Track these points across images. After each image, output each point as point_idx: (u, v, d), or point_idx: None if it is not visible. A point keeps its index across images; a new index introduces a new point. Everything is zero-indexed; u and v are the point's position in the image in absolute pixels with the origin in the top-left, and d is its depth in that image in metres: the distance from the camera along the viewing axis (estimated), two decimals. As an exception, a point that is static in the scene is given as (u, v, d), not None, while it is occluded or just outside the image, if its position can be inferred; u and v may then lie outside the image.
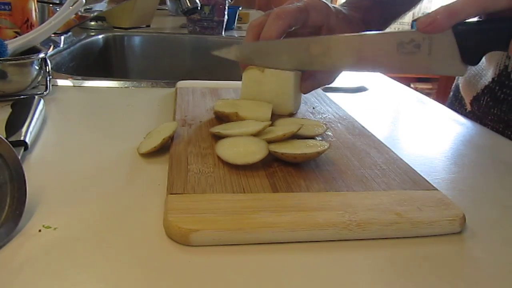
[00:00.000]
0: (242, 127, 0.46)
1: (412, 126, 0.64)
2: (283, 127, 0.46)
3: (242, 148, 0.41)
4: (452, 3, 0.41)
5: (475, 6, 0.40)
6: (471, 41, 0.41)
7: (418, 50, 0.43)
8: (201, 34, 1.29)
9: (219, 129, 0.46)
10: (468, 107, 0.76)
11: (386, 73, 0.46)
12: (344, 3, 0.63)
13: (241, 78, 0.56)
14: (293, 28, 0.51)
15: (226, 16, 1.31)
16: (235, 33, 1.42)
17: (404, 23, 3.56)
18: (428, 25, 0.41)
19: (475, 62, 0.42)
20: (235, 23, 1.50)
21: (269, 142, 0.43)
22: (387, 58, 0.45)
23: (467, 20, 0.41)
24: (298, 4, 0.51)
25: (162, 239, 0.31)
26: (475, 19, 0.43)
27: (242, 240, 0.31)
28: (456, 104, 0.80)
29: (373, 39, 0.45)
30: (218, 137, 0.45)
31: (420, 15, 3.51)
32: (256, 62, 0.51)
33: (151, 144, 0.44)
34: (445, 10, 0.41)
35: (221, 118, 0.51)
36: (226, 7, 1.30)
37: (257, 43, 0.50)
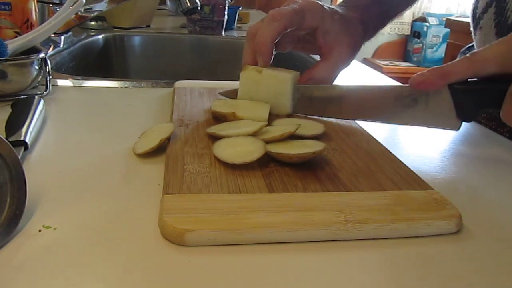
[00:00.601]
0: (239, 128, 0.46)
1: (412, 126, 0.64)
2: (281, 127, 0.46)
3: (239, 148, 0.41)
4: (446, 65, 0.44)
5: (466, 71, 0.43)
6: (466, 99, 0.44)
7: (415, 104, 0.46)
8: (201, 34, 1.29)
9: (215, 129, 0.46)
10: None
11: (381, 122, 0.50)
12: (341, 2, 0.63)
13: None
14: (289, 30, 0.52)
15: (226, 16, 1.31)
16: (235, 33, 1.42)
17: (404, 23, 3.56)
18: (420, 83, 0.44)
19: (470, 119, 0.45)
20: (235, 23, 1.50)
21: (267, 142, 0.43)
22: (385, 110, 0.48)
23: None
24: (294, 6, 0.52)
25: (158, 239, 0.32)
26: None
27: (238, 240, 0.31)
28: None
29: (372, 92, 0.48)
30: (214, 138, 0.45)
31: (420, 15, 3.50)
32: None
33: (148, 145, 0.44)
34: (437, 71, 0.43)
35: (218, 118, 0.52)
36: (226, 7, 1.30)
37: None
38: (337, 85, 0.51)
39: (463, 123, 0.47)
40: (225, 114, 0.50)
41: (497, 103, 0.43)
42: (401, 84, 0.51)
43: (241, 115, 0.50)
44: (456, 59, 0.44)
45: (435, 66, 0.44)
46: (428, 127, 0.49)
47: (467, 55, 0.43)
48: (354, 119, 0.52)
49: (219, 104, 0.53)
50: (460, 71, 0.43)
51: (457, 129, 0.46)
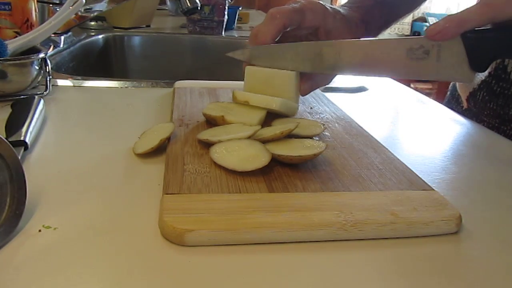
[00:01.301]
0: (229, 133, 0.45)
1: (412, 126, 0.64)
2: (281, 126, 0.46)
3: (240, 152, 0.41)
4: (461, 12, 0.42)
5: (483, 16, 0.41)
6: (479, 48, 0.42)
7: (427, 56, 0.44)
8: (201, 34, 1.29)
9: (207, 135, 0.45)
10: (465, 105, 0.76)
11: (394, 78, 0.47)
12: (345, 3, 0.63)
13: (242, 78, 0.56)
14: (289, 29, 0.52)
15: (226, 16, 1.31)
16: (235, 33, 1.42)
17: (404, 23, 3.56)
18: (437, 33, 0.42)
19: (483, 69, 0.43)
20: (235, 23, 1.50)
21: (267, 141, 0.43)
22: (397, 63, 0.46)
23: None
24: (293, 5, 0.52)
25: (158, 240, 0.32)
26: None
27: (238, 240, 0.31)
28: (453, 103, 0.81)
29: (383, 44, 0.46)
30: (206, 143, 0.44)
31: (420, 15, 3.50)
32: (268, 64, 0.52)
33: (148, 145, 0.44)
34: (454, 18, 0.42)
35: (210, 121, 0.51)
36: (226, 7, 1.30)
37: (271, 46, 0.51)
38: (345, 40, 0.49)
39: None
40: (214, 117, 0.49)
41: (511, 51, 0.42)
42: (412, 37, 0.49)
43: (230, 119, 0.48)
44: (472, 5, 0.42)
45: (449, 14, 0.43)
46: (441, 80, 0.47)
47: (483, 0, 0.41)
48: (364, 75, 0.50)
49: (211, 107, 0.52)
50: (477, 18, 0.41)
51: (470, 80, 0.45)
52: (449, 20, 0.42)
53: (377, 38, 0.48)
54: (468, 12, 0.41)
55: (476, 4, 0.42)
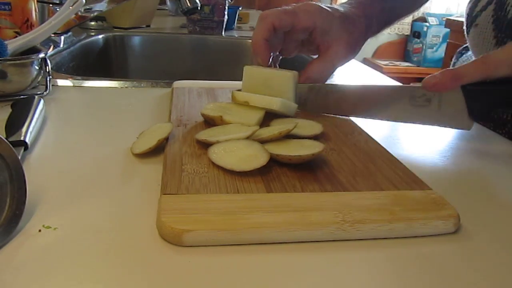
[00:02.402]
0: (228, 133, 0.45)
1: (412, 126, 0.64)
2: (279, 126, 0.46)
3: (238, 152, 0.41)
4: (458, 67, 0.44)
5: (478, 73, 0.43)
6: (478, 100, 0.45)
7: (429, 104, 0.46)
8: (201, 34, 1.29)
9: (206, 136, 0.45)
10: None
11: (395, 121, 0.50)
12: (346, 1, 0.63)
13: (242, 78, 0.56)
14: (281, 30, 0.52)
15: (226, 16, 1.31)
16: (235, 33, 1.42)
17: (404, 23, 3.56)
18: (433, 85, 0.44)
19: (482, 119, 0.45)
20: (235, 23, 1.50)
21: (266, 141, 0.43)
22: (399, 110, 0.49)
23: None
24: (286, 7, 0.52)
25: (157, 240, 0.32)
26: None
27: (236, 241, 0.31)
28: None
29: (387, 91, 0.48)
30: (204, 143, 0.44)
31: (420, 15, 3.50)
32: None
33: (146, 145, 0.44)
34: (450, 73, 0.44)
35: (208, 121, 0.51)
36: (226, 7, 1.30)
37: None
38: (350, 85, 0.52)
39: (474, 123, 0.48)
40: (212, 117, 0.49)
41: (510, 104, 0.43)
42: (414, 85, 0.52)
43: (228, 119, 0.48)
44: (469, 62, 0.44)
45: (447, 68, 0.45)
46: (441, 126, 0.49)
47: (480, 58, 0.43)
48: (367, 118, 0.52)
49: (210, 107, 0.52)
50: (473, 74, 0.43)
51: (469, 128, 0.47)
52: (445, 74, 0.44)
53: (381, 85, 0.51)
54: (464, 68, 0.44)
55: (473, 60, 0.44)
